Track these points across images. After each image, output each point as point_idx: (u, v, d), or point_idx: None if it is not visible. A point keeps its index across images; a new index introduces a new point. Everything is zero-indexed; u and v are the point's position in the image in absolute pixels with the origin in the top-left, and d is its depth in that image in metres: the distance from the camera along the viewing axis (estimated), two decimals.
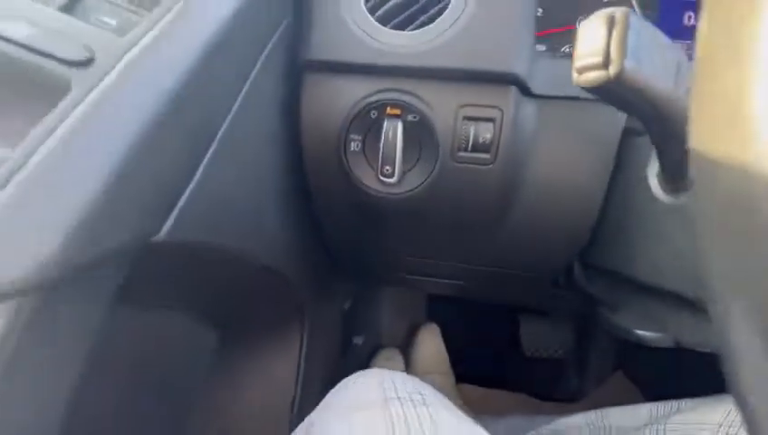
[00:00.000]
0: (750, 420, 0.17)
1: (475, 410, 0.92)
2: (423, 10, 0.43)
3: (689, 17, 0.53)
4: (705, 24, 0.17)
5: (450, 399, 0.89)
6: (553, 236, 0.47)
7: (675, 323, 0.45)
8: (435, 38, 0.42)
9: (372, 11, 0.44)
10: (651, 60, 0.29)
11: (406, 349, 1.02)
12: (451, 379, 1.00)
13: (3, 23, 0.28)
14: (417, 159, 0.45)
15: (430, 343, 1.02)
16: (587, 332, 0.96)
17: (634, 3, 0.53)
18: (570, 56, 0.31)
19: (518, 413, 0.64)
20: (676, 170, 0.37)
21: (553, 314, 1.00)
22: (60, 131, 0.26)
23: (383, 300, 1.04)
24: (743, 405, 0.17)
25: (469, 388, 1.04)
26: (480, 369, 1.05)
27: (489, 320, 1.05)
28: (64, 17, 0.31)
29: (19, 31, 0.28)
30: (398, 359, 0.99)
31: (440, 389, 0.97)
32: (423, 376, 0.89)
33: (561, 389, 1.01)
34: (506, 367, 1.05)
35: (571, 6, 0.54)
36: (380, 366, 0.78)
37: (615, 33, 0.28)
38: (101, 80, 0.28)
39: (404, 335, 1.04)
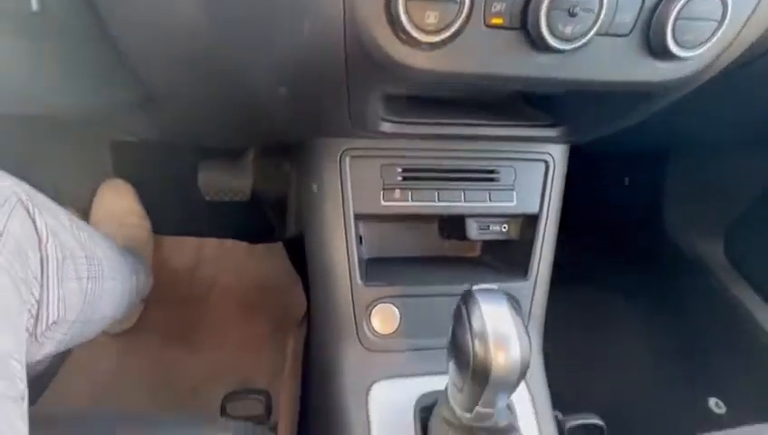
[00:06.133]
0: None
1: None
2: None
3: None
4: None
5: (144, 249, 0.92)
6: None
7: None
8: None
9: None
10: None
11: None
12: (140, 231, 1.02)
13: None
14: None
15: (113, 197, 1.02)
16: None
17: None
18: None
19: None
20: None
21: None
22: None
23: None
24: None
25: (169, 239, 1.07)
26: (174, 218, 1.07)
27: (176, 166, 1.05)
28: None
29: None
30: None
31: (135, 239, 0.98)
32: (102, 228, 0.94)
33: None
34: (200, 213, 1.06)
35: None
36: None
37: None
38: None
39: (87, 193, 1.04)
